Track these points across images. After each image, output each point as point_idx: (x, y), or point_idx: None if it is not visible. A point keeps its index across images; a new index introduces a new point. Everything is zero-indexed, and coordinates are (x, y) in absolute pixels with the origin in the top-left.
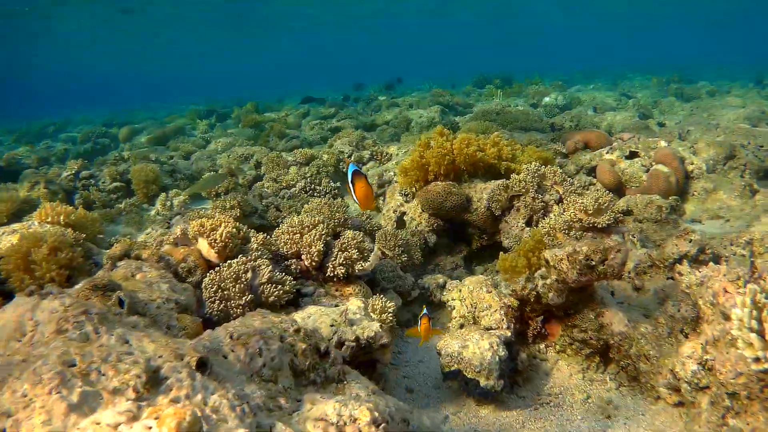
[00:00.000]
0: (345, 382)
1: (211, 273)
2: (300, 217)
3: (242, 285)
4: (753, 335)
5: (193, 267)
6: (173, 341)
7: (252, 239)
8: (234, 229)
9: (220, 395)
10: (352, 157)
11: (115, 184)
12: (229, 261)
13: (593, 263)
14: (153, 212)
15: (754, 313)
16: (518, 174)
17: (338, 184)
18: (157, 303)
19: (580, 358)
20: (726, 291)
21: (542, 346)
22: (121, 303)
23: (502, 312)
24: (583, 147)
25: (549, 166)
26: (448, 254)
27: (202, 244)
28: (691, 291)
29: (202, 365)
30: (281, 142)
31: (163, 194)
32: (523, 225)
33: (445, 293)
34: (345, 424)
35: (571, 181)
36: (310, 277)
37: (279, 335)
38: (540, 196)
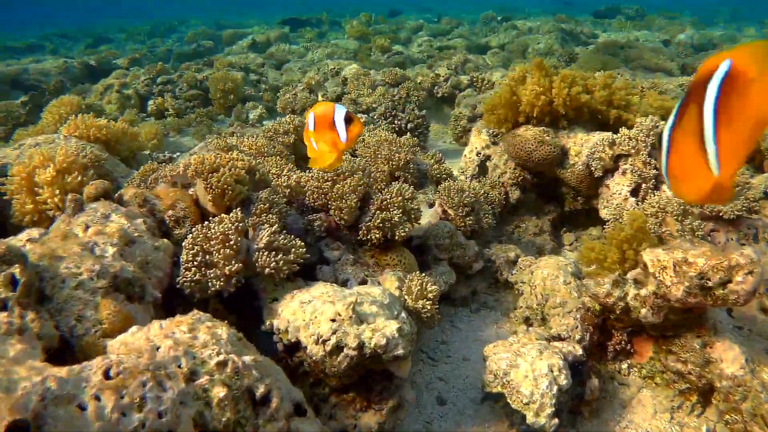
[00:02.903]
0: None
1: (197, 229)
2: None
3: (230, 250)
4: None
5: (182, 217)
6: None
7: (273, 183)
8: (243, 172)
9: None
10: (449, 82)
11: (192, 91)
12: (222, 215)
13: (710, 285)
14: (227, 125)
15: None
16: (630, 127)
17: (424, 112)
18: (81, 279)
19: (671, 392)
20: None
21: (624, 365)
22: (14, 283)
23: (578, 316)
24: None
25: None
26: (533, 214)
27: (200, 188)
28: None
29: None
30: (383, 57)
31: (239, 105)
32: (628, 194)
33: (514, 272)
34: None
35: None
36: (340, 237)
37: (189, 370)
38: (654, 160)
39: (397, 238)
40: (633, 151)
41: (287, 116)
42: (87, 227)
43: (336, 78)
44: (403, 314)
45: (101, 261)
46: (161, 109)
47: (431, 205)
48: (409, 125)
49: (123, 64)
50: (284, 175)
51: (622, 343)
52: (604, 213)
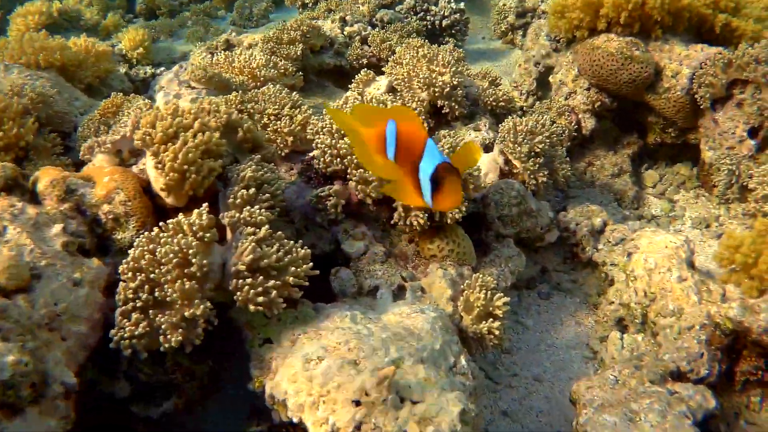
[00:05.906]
0: None
1: (140, 242)
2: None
3: (192, 280)
4: None
5: (124, 214)
6: None
7: (268, 133)
8: (217, 135)
9: None
10: None
11: None
12: (179, 218)
13: None
14: (228, 21)
15: None
16: (750, 38)
17: (462, 4)
18: None
19: None
20: None
21: (756, 398)
22: None
23: (702, 336)
24: None
25: None
26: (609, 148)
27: (150, 167)
28: None
29: None
30: None
31: None
32: (744, 134)
33: (601, 247)
34: None
35: None
36: (362, 215)
37: None
38: None
39: (448, 220)
40: (761, 78)
41: (292, 20)
42: None
43: None
44: (462, 362)
45: None
46: (151, 7)
47: (487, 149)
48: (444, 22)
49: None
50: (285, 116)
51: (759, 372)
52: (709, 155)
